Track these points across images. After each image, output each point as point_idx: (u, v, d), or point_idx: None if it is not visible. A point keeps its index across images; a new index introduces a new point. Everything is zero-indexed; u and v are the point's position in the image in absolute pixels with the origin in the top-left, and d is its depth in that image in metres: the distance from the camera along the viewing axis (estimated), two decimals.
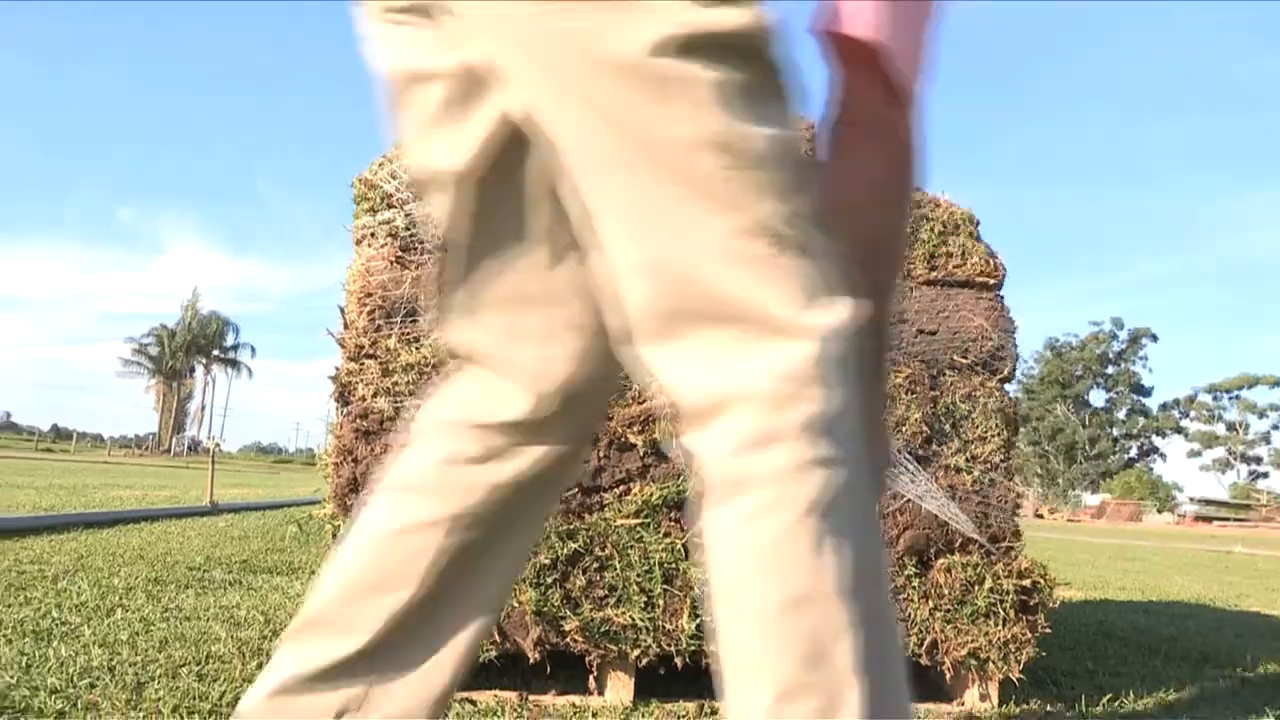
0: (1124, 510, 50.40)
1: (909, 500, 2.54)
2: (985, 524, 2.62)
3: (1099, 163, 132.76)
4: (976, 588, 2.54)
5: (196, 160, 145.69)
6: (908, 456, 2.58)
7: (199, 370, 72.55)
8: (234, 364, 72.47)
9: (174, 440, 67.71)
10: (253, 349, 72.76)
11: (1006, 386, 2.77)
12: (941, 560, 2.57)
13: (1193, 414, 75.07)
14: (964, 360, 2.68)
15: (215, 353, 71.51)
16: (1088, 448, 74.39)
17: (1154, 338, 75.32)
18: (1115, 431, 76.14)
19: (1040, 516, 41.17)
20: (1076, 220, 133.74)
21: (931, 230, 2.72)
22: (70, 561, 4.27)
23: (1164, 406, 76.07)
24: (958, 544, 2.59)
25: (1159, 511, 55.28)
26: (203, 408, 74.27)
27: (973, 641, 2.51)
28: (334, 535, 2.29)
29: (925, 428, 2.61)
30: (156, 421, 70.79)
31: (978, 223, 2.77)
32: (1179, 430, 75.52)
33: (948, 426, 2.65)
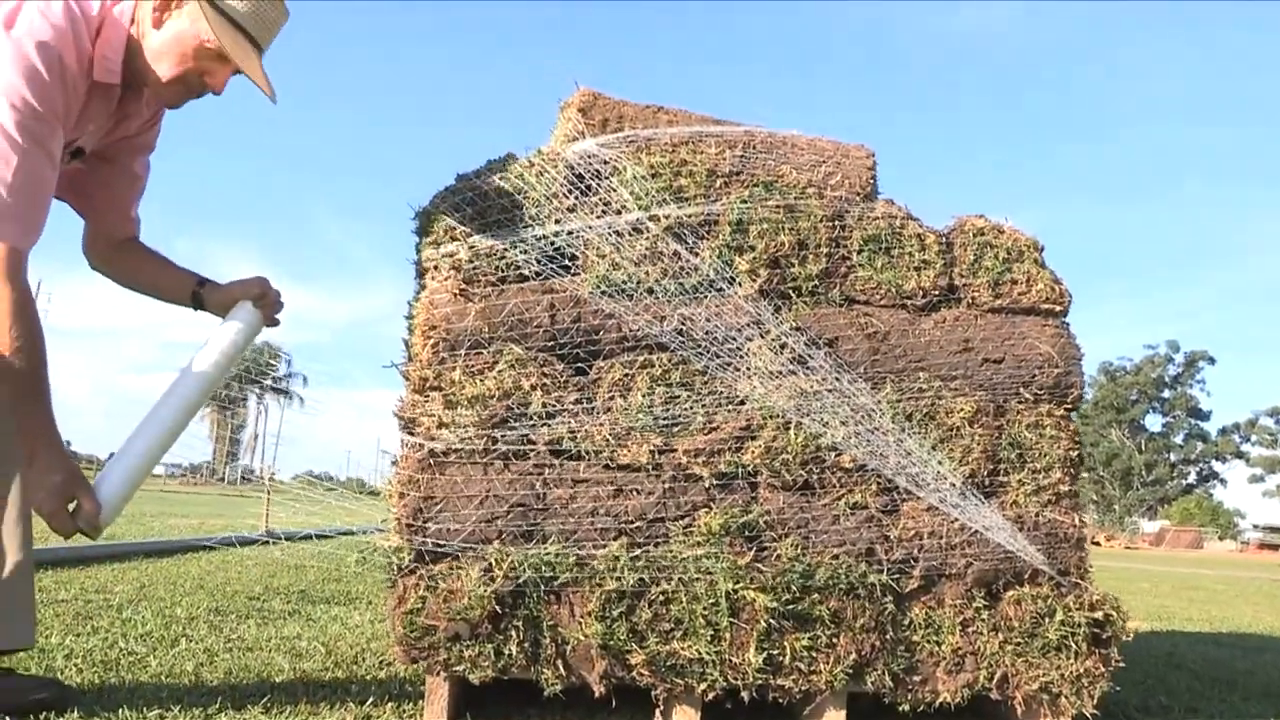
0: (1184, 537, 49.29)
1: (976, 532, 2.50)
2: (1053, 556, 2.56)
3: (1152, 179, 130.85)
4: (1047, 620, 2.48)
5: (253, 190, 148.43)
6: (973, 487, 2.54)
7: (252, 399, 73.58)
8: (286, 393, 73.36)
9: (228, 469, 68.63)
10: (304, 378, 73.49)
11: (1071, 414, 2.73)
12: (1011, 592, 2.52)
13: (1254, 438, 73.35)
14: (1030, 389, 2.63)
15: (268, 382, 72.48)
16: (1144, 473, 72.97)
17: (1211, 360, 73.95)
18: (1172, 457, 74.66)
19: (1096, 544, 40.39)
20: (1128, 240, 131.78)
21: (996, 257, 2.68)
22: (133, 591, 4.32)
23: (1223, 431, 74.46)
24: (1027, 576, 2.54)
25: (1220, 539, 53.97)
26: (255, 436, 75.31)
27: (1044, 675, 2.46)
28: (398, 567, 2.29)
29: (991, 458, 2.57)
30: (210, 450, 71.85)
31: (1042, 249, 2.73)
32: (1240, 455, 73.83)
33: (1014, 456, 2.60)
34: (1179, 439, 74.96)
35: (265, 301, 2.20)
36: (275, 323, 2.26)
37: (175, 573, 5.27)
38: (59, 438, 1.88)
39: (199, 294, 2.26)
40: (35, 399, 1.83)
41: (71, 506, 1.88)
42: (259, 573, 5.59)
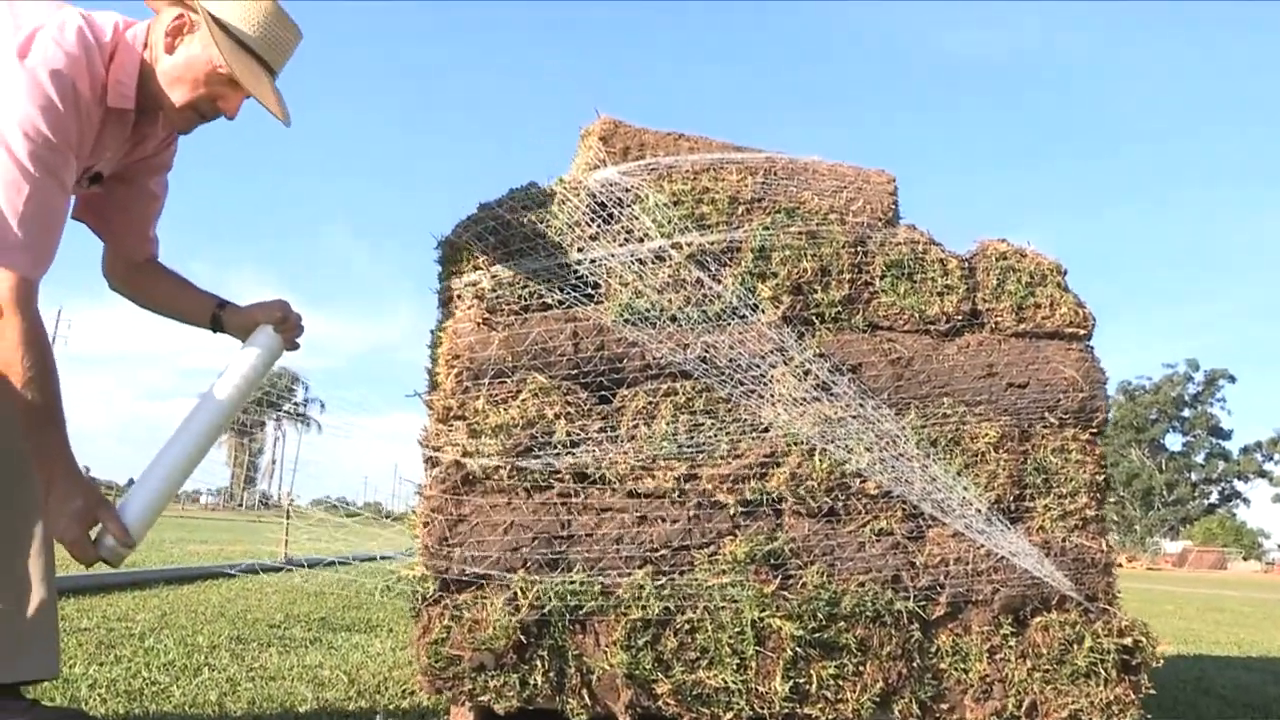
0: (1207, 558, 48.80)
1: (1002, 558, 2.48)
2: (1080, 581, 2.54)
3: (1165, 197, 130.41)
4: (1076, 647, 2.46)
5: (268, 215, 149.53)
6: (999, 513, 2.53)
7: (269, 425, 73.72)
8: (304, 419, 73.52)
9: (245, 494, 68.80)
10: (321, 404, 73.64)
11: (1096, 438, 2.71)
12: (1038, 619, 2.50)
13: (1276, 457, 72.56)
14: (1054, 413, 2.62)
15: (285, 408, 72.61)
16: (1165, 493, 72.36)
17: (1231, 378, 73.38)
18: (1194, 476, 74.00)
19: (1119, 565, 40.03)
20: (1144, 258, 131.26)
21: (1018, 281, 2.68)
22: (155, 619, 4.33)
23: (1245, 450, 73.73)
24: (1054, 602, 2.52)
25: (1244, 559, 53.37)
26: (273, 462, 75.45)
27: (1074, 703, 2.43)
28: (423, 597, 2.29)
29: (1016, 483, 2.56)
30: (228, 476, 71.96)
31: (1065, 272, 2.73)
32: (1263, 474, 73.06)
33: (1039, 481, 2.59)
34: (1200, 458, 74.32)
35: (286, 326, 2.18)
36: (295, 347, 2.25)
37: (196, 600, 5.28)
38: (75, 464, 1.87)
39: (219, 316, 2.24)
40: (49, 428, 1.82)
41: (94, 533, 1.88)
42: (279, 600, 5.59)
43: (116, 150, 2.04)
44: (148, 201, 2.24)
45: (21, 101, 1.75)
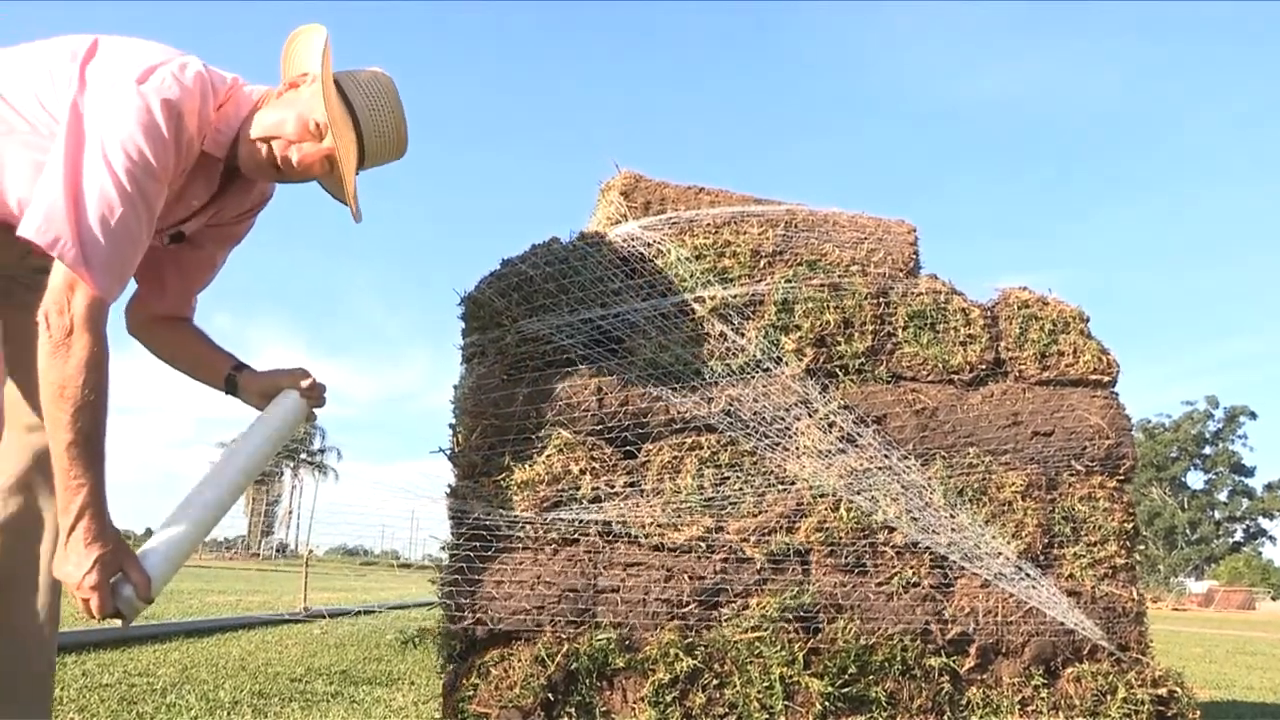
0: (1234, 598, 48.01)
1: (1032, 607, 2.46)
2: (1112, 630, 2.52)
3: (1182, 236, 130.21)
4: (1109, 698, 2.43)
5: (288, 267, 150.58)
6: (1028, 561, 2.51)
7: (287, 474, 73.53)
8: (321, 468, 73.37)
9: (263, 543, 68.58)
10: (339, 452, 73.49)
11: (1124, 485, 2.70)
12: (1070, 669, 2.47)
13: None
14: (1081, 461, 2.61)
15: (303, 456, 72.48)
16: (1188, 532, 71.52)
17: (1253, 415, 72.71)
18: (1217, 514, 73.13)
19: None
20: (1161, 297, 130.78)
21: (1041, 329, 2.68)
22: (176, 673, 4.32)
23: (1269, 487, 72.80)
24: (1086, 652, 2.49)
25: (1273, 599, 52.46)
26: (290, 511, 75.23)
27: None
28: (448, 653, 2.28)
29: (1045, 532, 2.54)
30: (245, 525, 71.67)
31: (1088, 319, 2.72)
32: None
33: (1068, 530, 2.57)
34: (1223, 496, 73.47)
35: (312, 393, 2.16)
36: (314, 417, 2.22)
37: (217, 653, 5.27)
38: (106, 509, 1.77)
39: (233, 378, 2.18)
40: (89, 463, 1.73)
41: (111, 582, 1.80)
42: (299, 652, 5.57)
43: (199, 201, 2.01)
44: (207, 269, 2.20)
45: (129, 122, 1.72)
